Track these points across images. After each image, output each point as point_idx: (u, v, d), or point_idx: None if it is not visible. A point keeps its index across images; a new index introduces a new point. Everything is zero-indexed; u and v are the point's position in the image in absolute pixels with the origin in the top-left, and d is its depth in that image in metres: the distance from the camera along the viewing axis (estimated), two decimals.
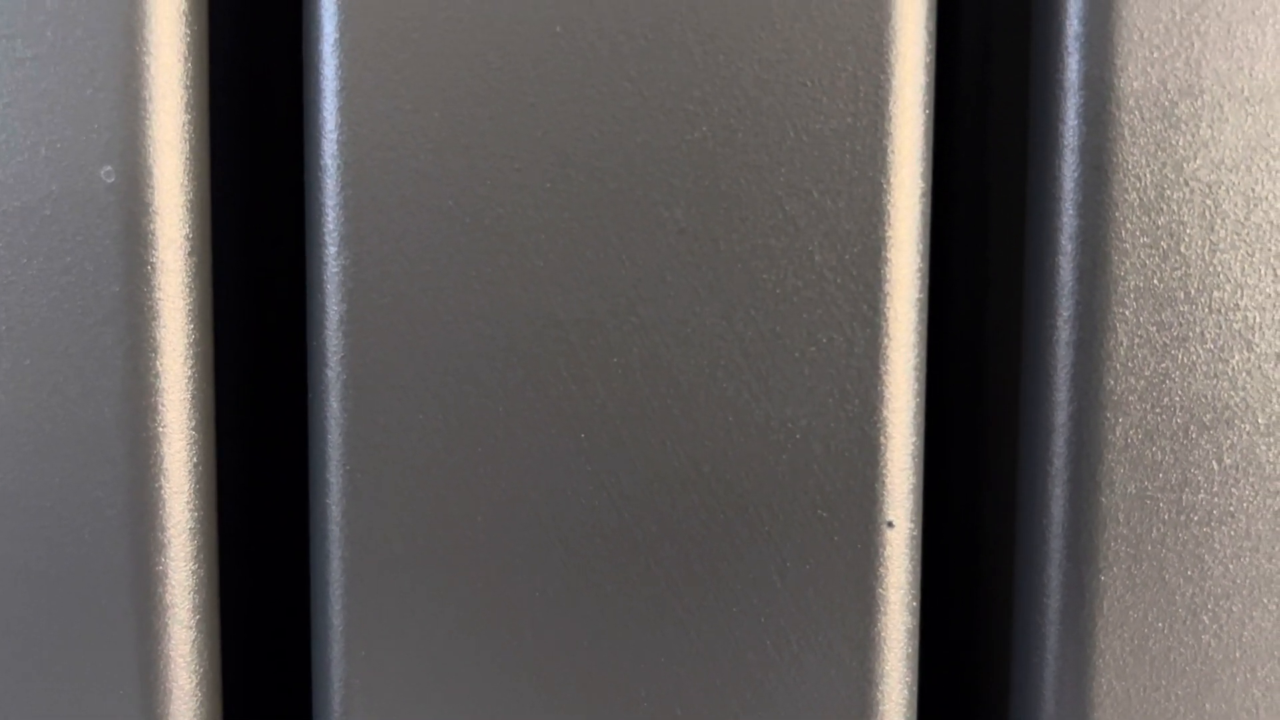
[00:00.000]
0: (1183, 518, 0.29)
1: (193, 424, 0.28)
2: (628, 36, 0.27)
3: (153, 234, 0.28)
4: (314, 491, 0.29)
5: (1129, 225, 0.28)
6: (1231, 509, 0.29)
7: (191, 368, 0.28)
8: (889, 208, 0.28)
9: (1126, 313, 0.28)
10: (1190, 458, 0.29)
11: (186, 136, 0.28)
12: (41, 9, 0.27)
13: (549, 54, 0.27)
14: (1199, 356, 0.28)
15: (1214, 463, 0.29)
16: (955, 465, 0.32)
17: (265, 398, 0.32)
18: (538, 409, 0.28)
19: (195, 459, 0.29)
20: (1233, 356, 0.28)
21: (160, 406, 0.28)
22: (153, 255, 0.28)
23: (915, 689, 0.29)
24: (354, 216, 0.28)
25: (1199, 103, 0.28)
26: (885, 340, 0.28)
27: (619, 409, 0.28)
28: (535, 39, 0.27)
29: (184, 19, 0.28)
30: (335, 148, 0.28)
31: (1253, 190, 0.28)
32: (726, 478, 0.28)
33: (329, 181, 0.28)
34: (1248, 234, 0.28)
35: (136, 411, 0.28)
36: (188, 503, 0.29)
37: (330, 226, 0.28)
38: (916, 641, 0.29)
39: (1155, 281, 0.28)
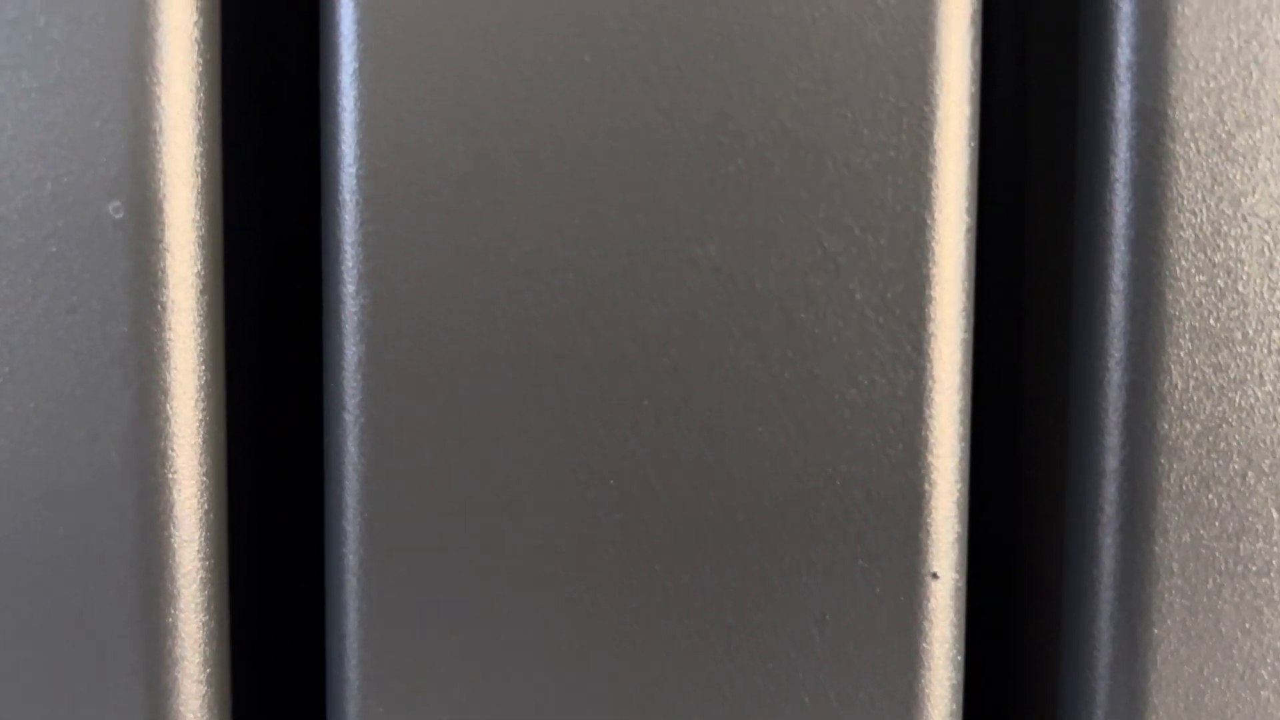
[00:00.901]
0: (1240, 568, 0.28)
1: (204, 470, 0.27)
2: (660, 67, 0.26)
3: (163, 272, 0.27)
4: (330, 540, 0.28)
5: (1184, 263, 0.27)
6: None
7: (203, 412, 0.27)
8: (933, 244, 0.27)
9: (1181, 354, 0.27)
10: (1248, 505, 0.27)
11: (198, 170, 0.27)
12: (48, 39, 0.26)
13: (578, 85, 0.26)
14: (1257, 399, 0.27)
15: (1273, 510, 0.28)
16: (996, 512, 0.31)
17: (279, 442, 0.31)
18: (566, 455, 0.27)
19: (206, 507, 0.27)
20: None
21: (170, 452, 0.27)
22: (163, 294, 0.27)
23: None
24: (374, 254, 0.27)
25: (1258, 135, 0.27)
26: (930, 383, 0.27)
27: (650, 454, 0.27)
28: (565, 69, 0.26)
29: (195, 48, 0.27)
30: (355, 183, 0.26)
31: None
32: (763, 527, 0.27)
33: (348, 219, 0.27)
34: None
35: (145, 458, 0.27)
36: (198, 552, 0.27)
37: (350, 263, 0.27)
38: (960, 698, 0.28)
39: (1211, 321, 0.27)
